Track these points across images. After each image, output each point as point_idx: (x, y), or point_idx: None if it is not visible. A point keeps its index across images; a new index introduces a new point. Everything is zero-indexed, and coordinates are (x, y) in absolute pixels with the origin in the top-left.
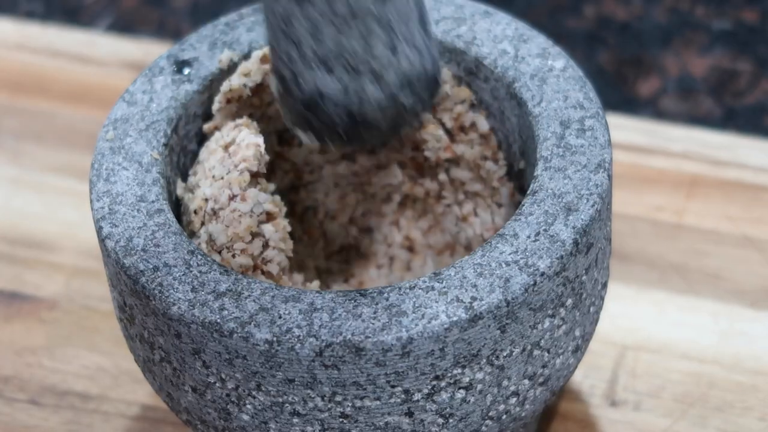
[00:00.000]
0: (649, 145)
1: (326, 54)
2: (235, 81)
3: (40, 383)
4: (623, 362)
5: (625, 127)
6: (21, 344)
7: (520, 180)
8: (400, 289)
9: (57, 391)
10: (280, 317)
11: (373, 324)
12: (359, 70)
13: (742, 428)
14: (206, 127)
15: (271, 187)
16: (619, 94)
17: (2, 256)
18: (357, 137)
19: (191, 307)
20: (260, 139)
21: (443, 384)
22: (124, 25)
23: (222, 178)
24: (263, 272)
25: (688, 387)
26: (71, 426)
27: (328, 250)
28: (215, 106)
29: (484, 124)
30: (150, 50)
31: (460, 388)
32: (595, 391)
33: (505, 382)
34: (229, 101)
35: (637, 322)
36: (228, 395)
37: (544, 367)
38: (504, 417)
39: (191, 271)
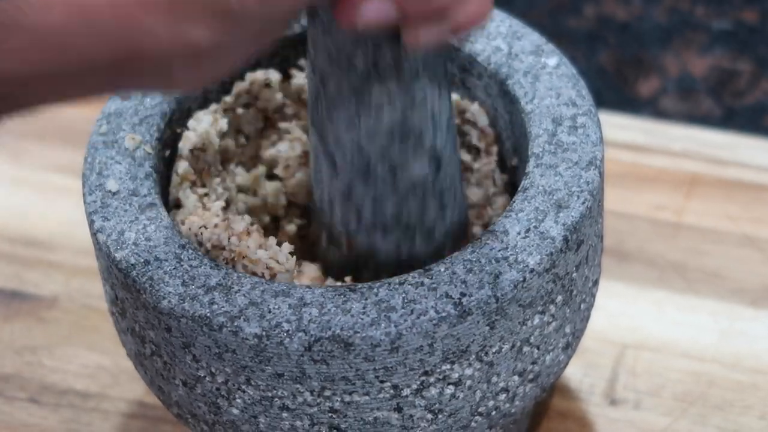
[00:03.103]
0: (649, 144)
1: (383, 218)
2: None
3: (40, 382)
4: (623, 361)
5: (625, 126)
6: (21, 343)
7: (513, 176)
8: (389, 284)
9: (56, 390)
10: (269, 312)
11: (362, 319)
12: (412, 229)
13: (742, 427)
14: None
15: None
16: (619, 94)
17: (2, 255)
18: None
19: (181, 301)
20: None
21: (432, 380)
22: None
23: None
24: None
25: (688, 386)
26: (71, 424)
27: None
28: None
29: (488, 130)
30: None
31: (449, 384)
32: (594, 389)
33: (495, 379)
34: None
35: (637, 321)
36: (218, 389)
37: (533, 363)
38: (493, 413)
39: (182, 266)
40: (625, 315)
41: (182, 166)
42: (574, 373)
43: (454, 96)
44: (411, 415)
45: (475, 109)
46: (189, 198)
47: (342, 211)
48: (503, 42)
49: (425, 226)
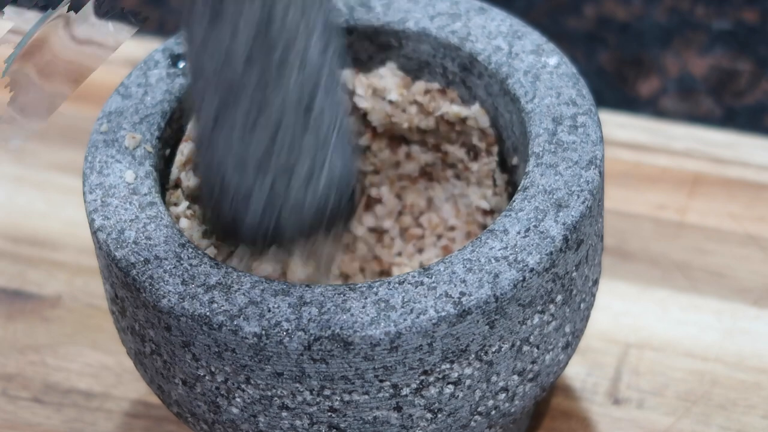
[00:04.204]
0: (651, 143)
1: (254, 159)
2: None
3: (44, 381)
4: (626, 360)
5: (627, 126)
6: (24, 342)
7: (513, 176)
8: (389, 283)
9: (60, 389)
10: (269, 311)
11: (361, 318)
12: (286, 174)
13: (746, 426)
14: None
15: None
16: (619, 93)
17: (5, 254)
18: (278, 238)
19: (181, 300)
20: None
21: (432, 379)
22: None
23: None
24: None
25: (692, 385)
26: (74, 424)
27: None
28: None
29: (490, 131)
30: (153, 49)
31: (448, 384)
32: (598, 389)
33: (494, 378)
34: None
35: (640, 320)
36: (217, 388)
37: (533, 363)
38: (493, 412)
39: (182, 264)
40: (628, 314)
41: (189, 147)
42: (577, 372)
43: (454, 107)
44: (410, 415)
45: (476, 110)
46: (190, 180)
47: (210, 152)
48: (504, 41)
49: (300, 171)
